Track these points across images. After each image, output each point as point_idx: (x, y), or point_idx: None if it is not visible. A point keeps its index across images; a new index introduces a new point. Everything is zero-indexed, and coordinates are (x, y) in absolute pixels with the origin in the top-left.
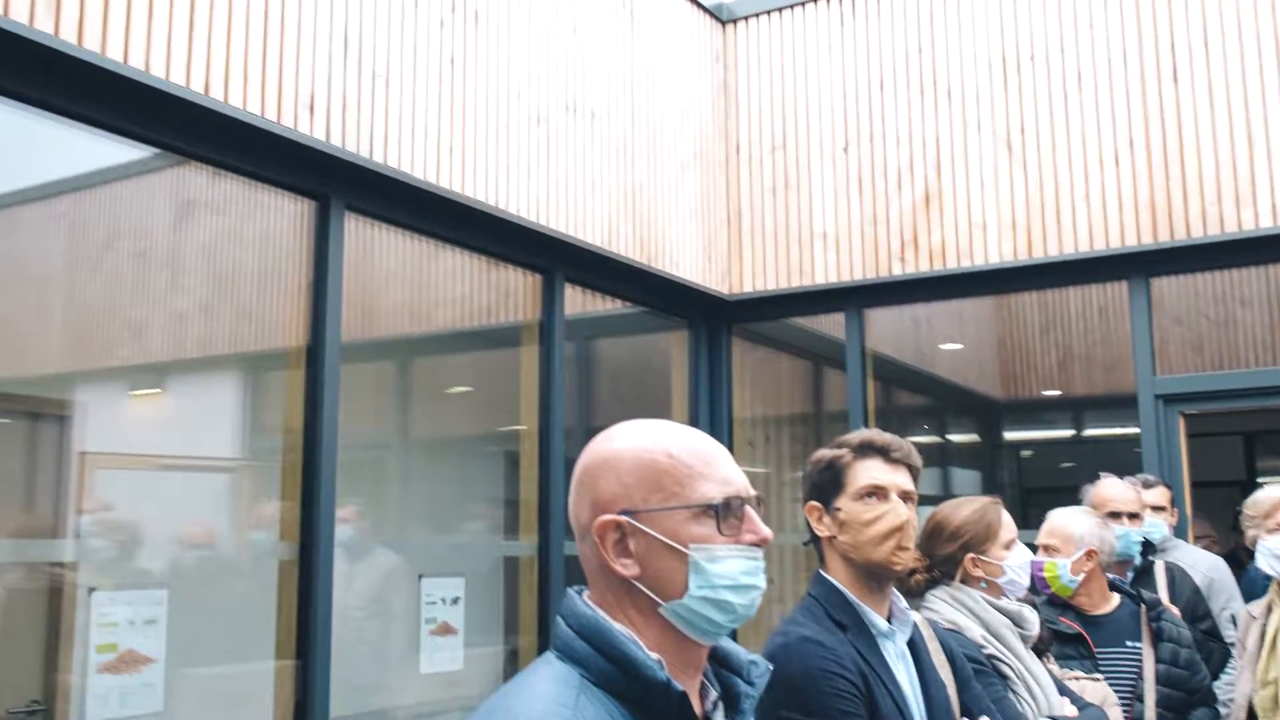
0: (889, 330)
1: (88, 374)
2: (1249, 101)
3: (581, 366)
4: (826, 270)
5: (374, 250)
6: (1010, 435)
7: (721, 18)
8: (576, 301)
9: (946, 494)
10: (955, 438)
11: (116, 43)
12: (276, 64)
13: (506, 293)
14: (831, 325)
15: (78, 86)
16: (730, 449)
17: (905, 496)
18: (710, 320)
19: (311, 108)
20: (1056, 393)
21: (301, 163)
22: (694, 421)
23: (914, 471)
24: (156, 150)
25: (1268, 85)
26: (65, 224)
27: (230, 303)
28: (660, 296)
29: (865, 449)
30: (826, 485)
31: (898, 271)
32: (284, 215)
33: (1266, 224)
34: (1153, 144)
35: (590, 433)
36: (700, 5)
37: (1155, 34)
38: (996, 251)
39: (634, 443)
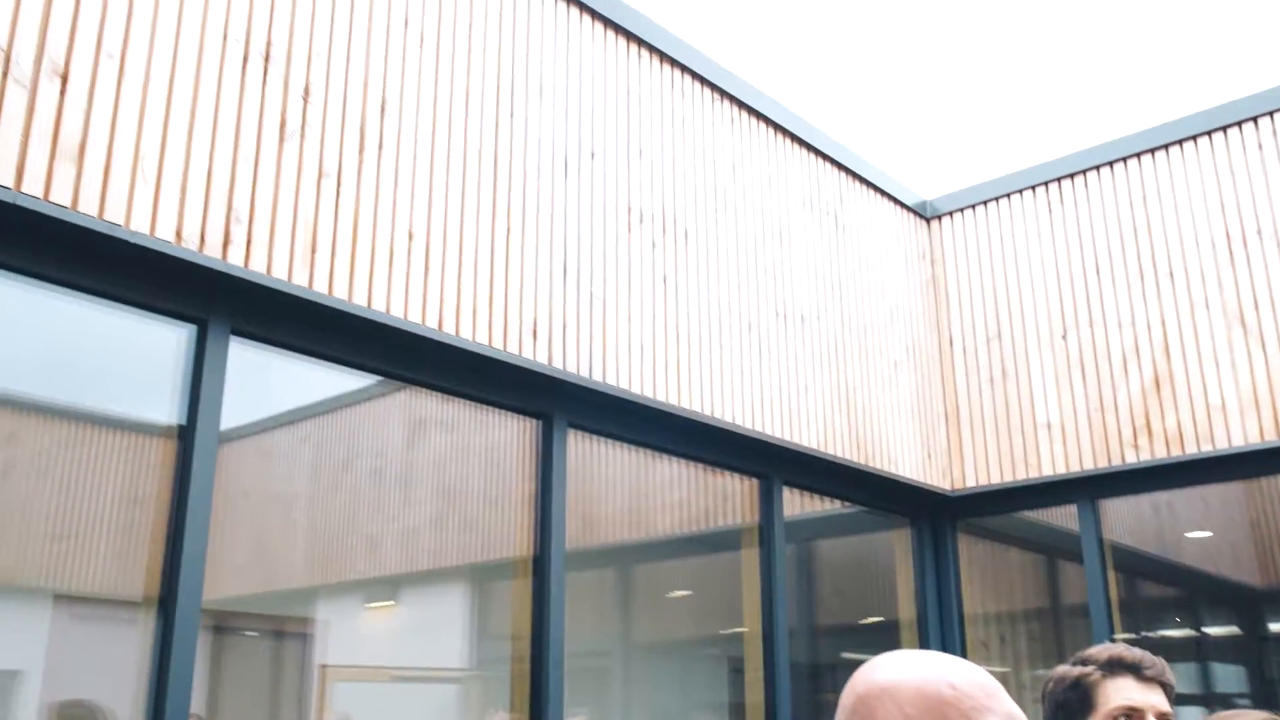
0: (1127, 519)
1: (327, 589)
2: None
3: (802, 567)
4: (1054, 461)
5: (594, 462)
6: (1275, 626)
7: (926, 214)
8: (795, 502)
9: (1206, 693)
10: (1211, 630)
11: (361, 290)
12: (503, 296)
13: (724, 497)
14: (1063, 516)
15: (326, 329)
16: (962, 649)
17: (1162, 718)
18: (934, 517)
19: (535, 333)
20: None
21: (525, 385)
22: (922, 620)
23: (1168, 690)
24: (385, 377)
25: None
26: (308, 447)
27: (459, 516)
28: (880, 495)
29: (1114, 666)
30: (1074, 705)
31: (1131, 459)
32: (509, 433)
33: None
34: None
35: (814, 635)
36: (903, 205)
37: None
38: (1240, 433)
39: (913, 673)
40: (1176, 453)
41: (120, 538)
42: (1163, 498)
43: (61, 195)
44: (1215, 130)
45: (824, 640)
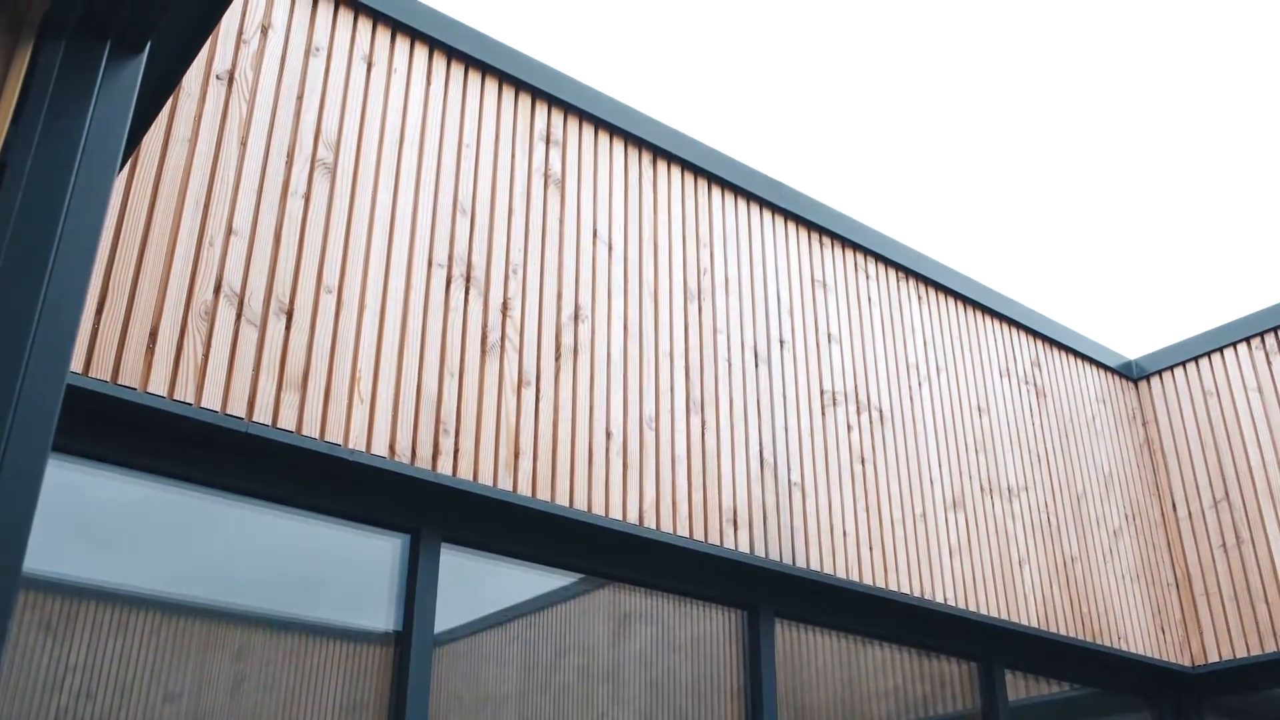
0: None
1: None
2: None
3: None
4: None
5: (803, 650)
6: None
7: (1133, 375)
8: (1019, 686)
9: None
10: None
11: (562, 491)
12: (700, 488)
13: (942, 683)
14: None
15: (531, 531)
16: None
17: None
18: (1175, 696)
19: (735, 523)
20: None
21: (728, 576)
22: None
23: None
24: (589, 575)
25: None
26: (516, 647)
27: (668, 712)
28: (1111, 675)
29: None
30: None
31: None
32: (715, 625)
33: None
34: None
35: None
36: (1107, 367)
37: None
38: None
39: None
40: None
41: None
42: None
43: (287, 421)
44: None
45: None
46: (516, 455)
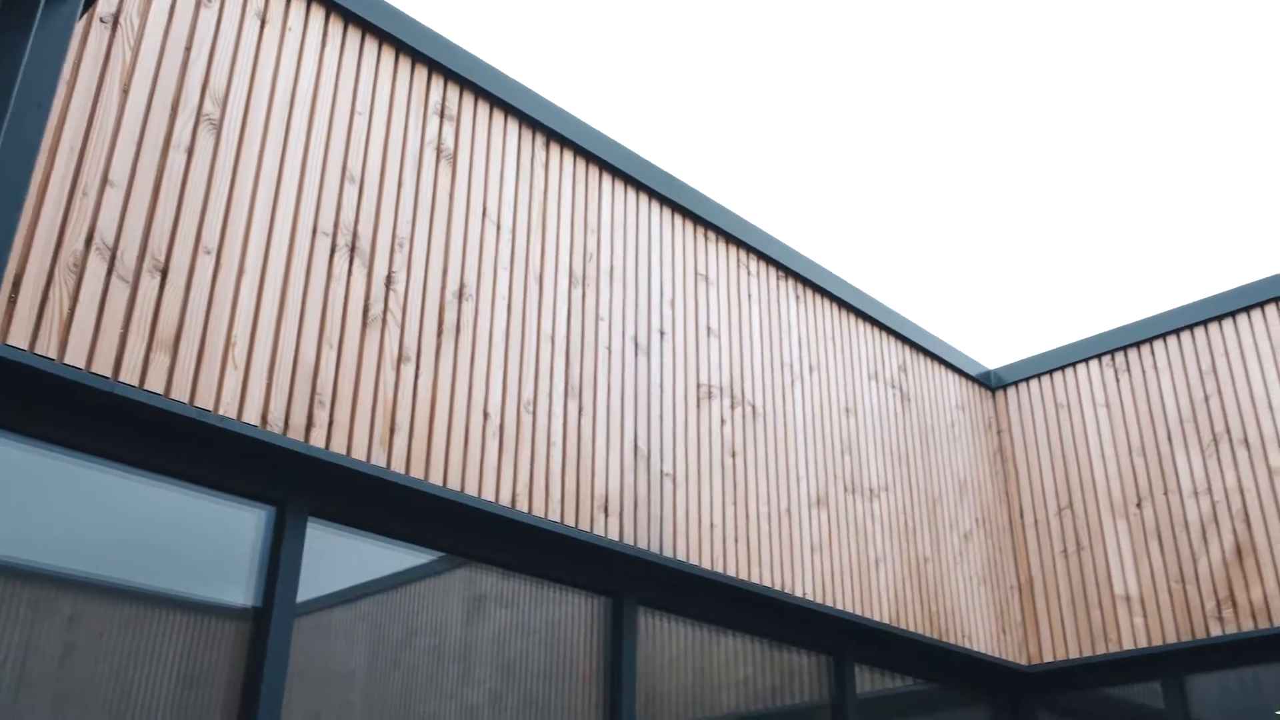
0: (1215, 695)
1: None
2: None
3: None
4: (1134, 635)
5: (657, 638)
6: None
7: (991, 385)
8: (867, 679)
9: None
10: None
11: (437, 470)
12: (574, 474)
13: (794, 674)
14: (1143, 693)
15: (403, 509)
16: None
17: None
18: (1011, 693)
19: (606, 510)
20: None
21: (597, 562)
22: None
23: None
24: (453, 554)
25: None
26: (369, 623)
27: (517, 693)
28: (954, 671)
29: None
30: None
31: (1216, 632)
32: (576, 610)
33: None
34: None
35: None
36: (968, 376)
37: None
38: None
39: None
40: (1264, 626)
41: (184, 718)
42: (1250, 673)
43: (155, 383)
44: None
45: None
46: (392, 431)
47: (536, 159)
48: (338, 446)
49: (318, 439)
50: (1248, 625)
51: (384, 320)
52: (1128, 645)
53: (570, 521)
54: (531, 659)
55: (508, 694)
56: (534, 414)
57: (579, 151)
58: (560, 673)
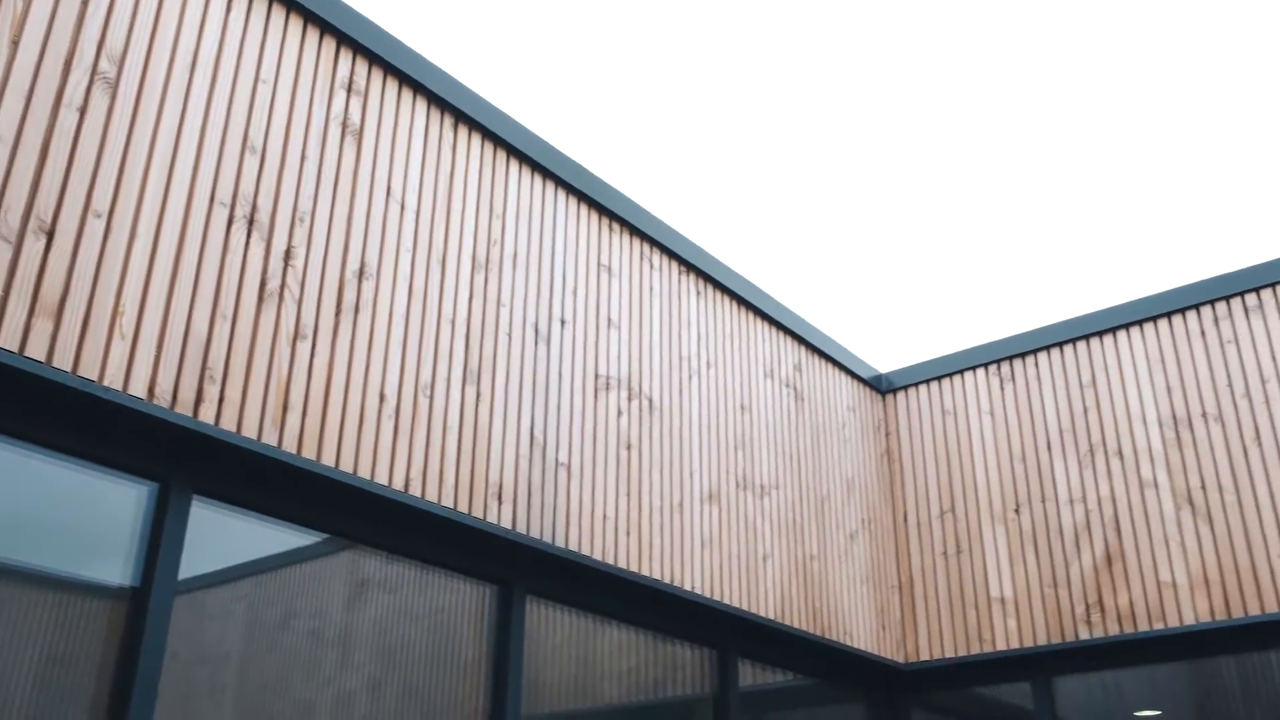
0: (1080, 696)
1: None
2: None
3: None
4: (1007, 636)
5: (542, 627)
6: None
7: (881, 388)
8: (749, 673)
9: None
10: None
11: (329, 451)
12: (469, 461)
13: (679, 667)
14: (1013, 693)
15: (293, 489)
16: None
17: None
18: (888, 690)
19: (500, 498)
20: None
21: (488, 550)
22: None
23: None
24: (339, 536)
25: None
26: (247, 605)
27: (397, 680)
28: (834, 667)
29: None
30: None
31: (1084, 636)
32: (464, 597)
33: None
34: None
35: None
36: (859, 378)
37: None
38: (1191, 612)
39: None
40: (1128, 630)
41: (51, 701)
42: (1111, 675)
43: (37, 349)
44: (1161, 316)
45: None
46: (285, 410)
47: (444, 140)
48: (227, 423)
49: (207, 415)
50: (1114, 629)
51: (281, 296)
52: (1001, 646)
53: (463, 508)
54: (414, 645)
55: (388, 680)
56: (431, 398)
57: (487, 135)
58: (443, 660)
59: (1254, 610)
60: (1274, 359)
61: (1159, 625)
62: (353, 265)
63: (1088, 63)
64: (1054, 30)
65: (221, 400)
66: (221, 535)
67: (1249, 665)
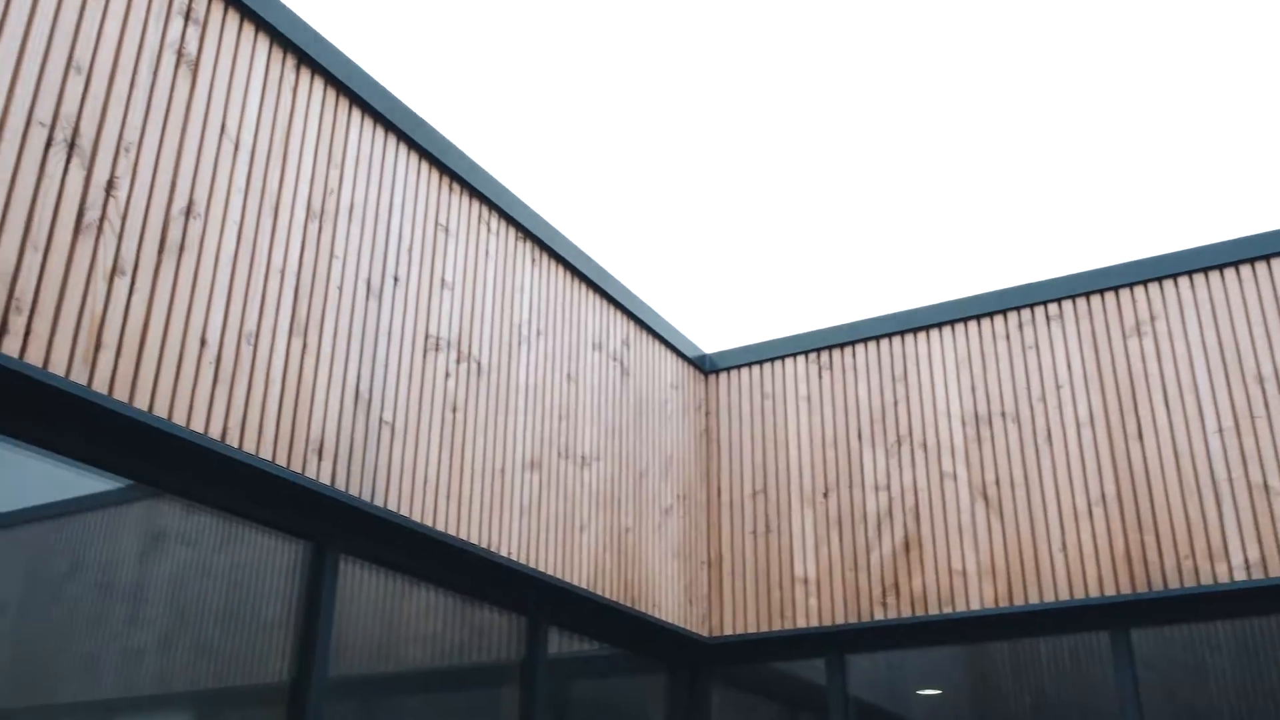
0: (870, 674)
1: (32, 712)
2: (1212, 463)
3: (558, 707)
4: (808, 614)
5: (349, 586)
6: None
7: (705, 369)
8: (557, 642)
9: None
10: None
11: (144, 394)
12: (291, 413)
13: (485, 632)
14: (808, 669)
15: (104, 432)
16: None
17: None
18: (691, 662)
19: (320, 453)
20: None
21: (303, 505)
22: None
23: None
24: (141, 484)
25: (1228, 449)
26: (29, 552)
27: (190, 637)
28: (642, 638)
29: None
30: None
31: (879, 617)
32: (277, 553)
33: (1240, 577)
34: (1124, 497)
35: None
36: (685, 358)
37: (1119, 395)
38: (977, 599)
39: None
40: (920, 613)
41: None
42: (899, 655)
43: None
44: (970, 318)
45: None
46: (98, 348)
47: (285, 81)
48: (33, 358)
49: (11, 348)
50: (906, 612)
51: (100, 228)
52: (801, 624)
53: (282, 461)
54: (212, 602)
55: (180, 637)
56: (255, 347)
57: (330, 80)
58: (244, 618)
59: (1033, 599)
60: (1069, 365)
61: (947, 610)
62: (180, 202)
63: (918, 63)
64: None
65: (28, 333)
66: (9, 476)
67: (1020, 650)
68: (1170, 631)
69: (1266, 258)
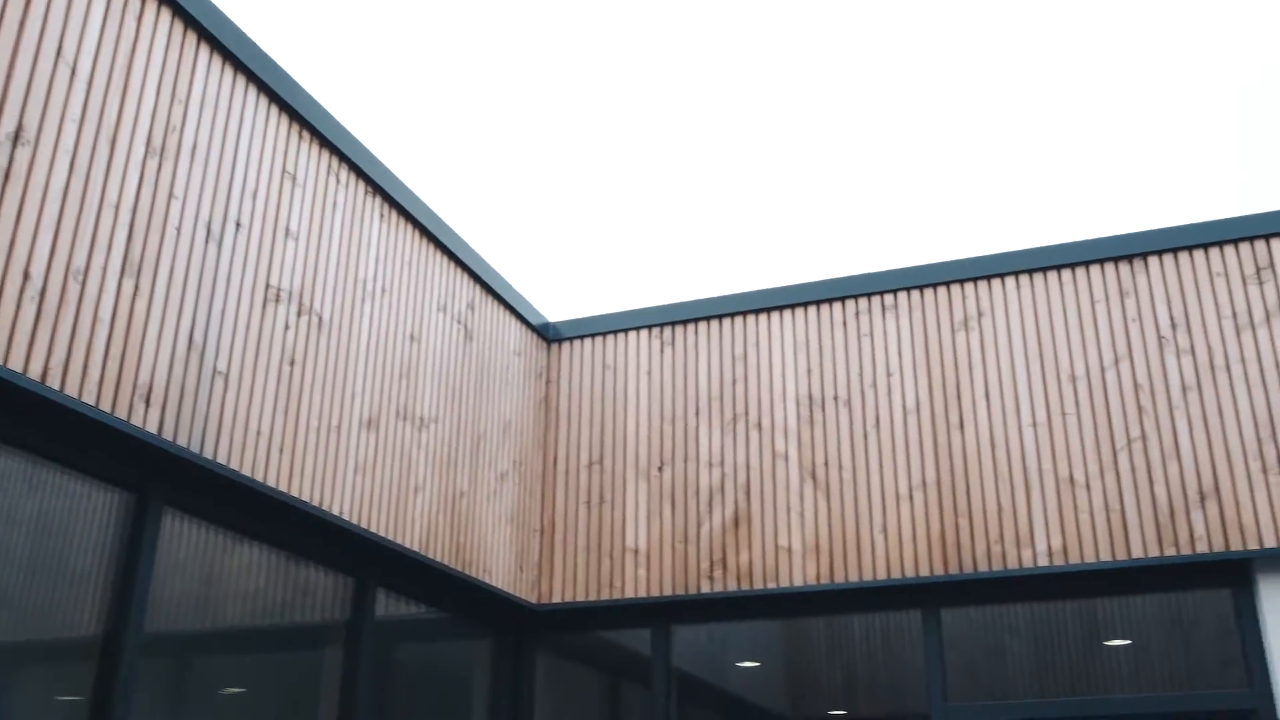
0: (691, 645)
1: None
2: (1025, 455)
3: (383, 670)
4: (637, 585)
5: (178, 541)
6: None
7: (548, 337)
8: (384, 602)
9: None
10: None
11: None
12: (119, 358)
13: (311, 591)
14: (633, 639)
15: None
16: None
17: None
18: (518, 629)
19: (148, 400)
20: (842, 713)
21: (127, 453)
22: None
23: None
24: None
25: (1040, 443)
26: None
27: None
28: (471, 603)
29: None
30: None
31: (706, 590)
32: (85, 503)
33: (1043, 563)
34: (943, 484)
35: None
36: (529, 324)
37: (944, 386)
38: (800, 575)
39: None
40: (745, 587)
41: None
42: (722, 628)
43: None
44: (810, 304)
45: None
46: None
47: (129, 8)
48: None
49: None
50: (733, 586)
51: None
52: (629, 594)
53: (106, 407)
54: (16, 550)
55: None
56: (83, 285)
57: (178, 12)
58: (54, 569)
59: (853, 578)
60: (900, 355)
61: (771, 585)
62: (8, 126)
63: (768, 46)
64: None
65: None
66: None
67: (836, 627)
68: (975, 613)
69: (1085, 264)
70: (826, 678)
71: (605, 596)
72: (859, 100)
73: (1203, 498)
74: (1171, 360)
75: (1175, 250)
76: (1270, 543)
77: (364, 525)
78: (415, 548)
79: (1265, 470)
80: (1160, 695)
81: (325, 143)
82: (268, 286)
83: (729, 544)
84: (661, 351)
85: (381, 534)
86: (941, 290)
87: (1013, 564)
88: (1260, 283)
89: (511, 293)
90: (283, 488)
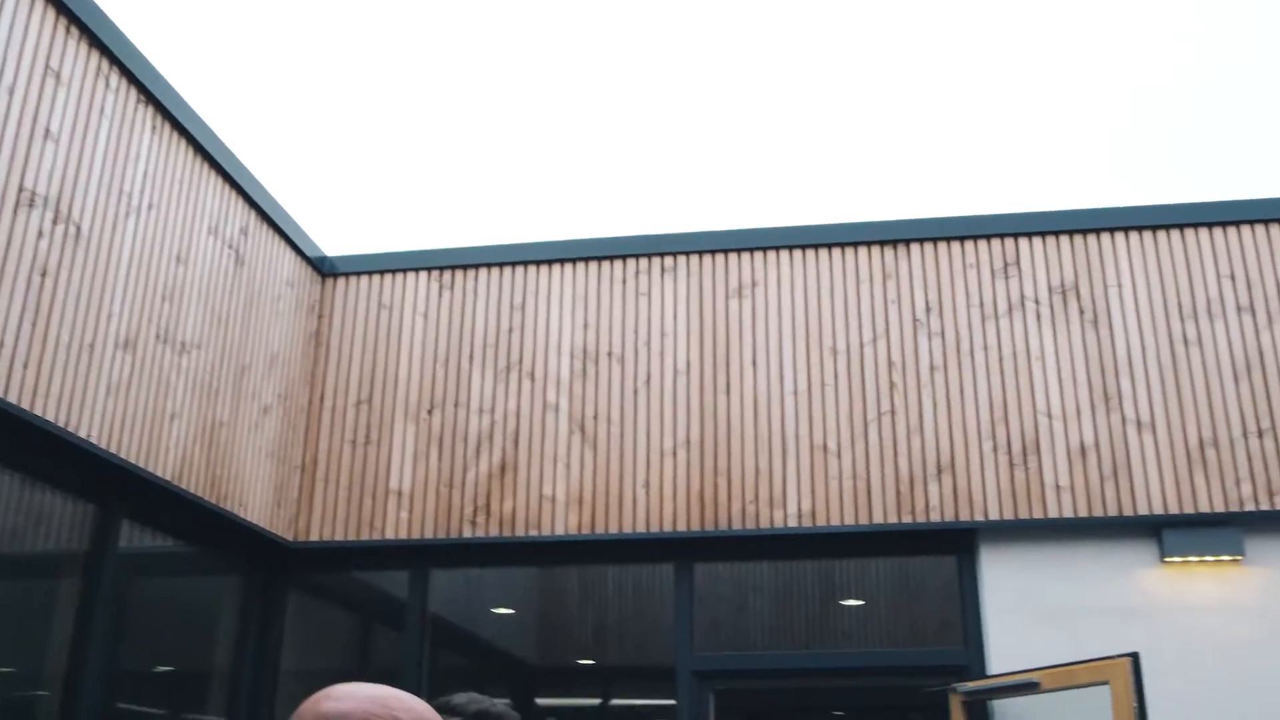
0: (448, 590)
1: None
2: (784, 421)
3: (125, 604)
4: (398, 527)
5: None
6: (543, 700)
7: (323, 270)
8: (129, 533)
9: None
10: (497, 701)
11: None
12: None
13: (53, 519)
14: (389, 581)
15: None
16: (272, 702)
17: None
18: (271, 566)
19: None
20: (590, 662)
21: None
22: (238, 671)
23: None
24: None
25: (799, 411)
26: None
27: None
28: (224, 537)
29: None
30: None
31: (468, 534)
32: None
33: (793, 524)
34: (705, 444)
35: (120, 680)
36: (304, 255)
37: (714, 350)
38: (562, 524)
39: (357, 704)
40: (507, 534)
41: None
42: (479, 574)
43: None
44: (590, 259)
45: (123, 689)
46: None
47: None
48: None
49: None
50: (495, 532)
51: None
52: (390, 535)
53: None
54: None
55: None
56: None
57: None
58: None
59: (613, 529)
60: (675, 316)
61: (534, 533)
62: None
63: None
64: None
65: None
66: None
67: (591, 576)
68: (725, 569)
69: (854, 245)
70: (578, 627)
71: (365, 537)
72: (651, 58)
73: (940, 470)
74: (924, 342)
75: (935, 240)
76: (994, 515)
77: (113, 450)
78: (167, 476)
79: (995, 449)
80: (885, 650)
81: (96, 42)
82: (20, 190)
83: (494, 491)
84: (439, 295)
85: (132, 460)
86: (720, 257)
87: (765, 523)
88: (1007, 277)
89: (288, 221)
90: (25, 405)
